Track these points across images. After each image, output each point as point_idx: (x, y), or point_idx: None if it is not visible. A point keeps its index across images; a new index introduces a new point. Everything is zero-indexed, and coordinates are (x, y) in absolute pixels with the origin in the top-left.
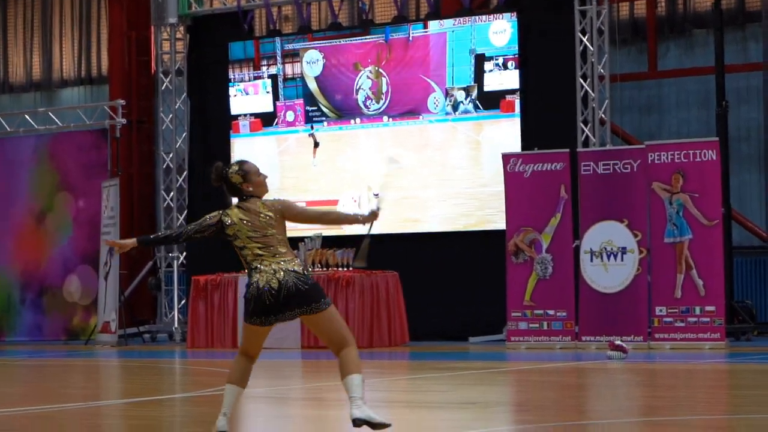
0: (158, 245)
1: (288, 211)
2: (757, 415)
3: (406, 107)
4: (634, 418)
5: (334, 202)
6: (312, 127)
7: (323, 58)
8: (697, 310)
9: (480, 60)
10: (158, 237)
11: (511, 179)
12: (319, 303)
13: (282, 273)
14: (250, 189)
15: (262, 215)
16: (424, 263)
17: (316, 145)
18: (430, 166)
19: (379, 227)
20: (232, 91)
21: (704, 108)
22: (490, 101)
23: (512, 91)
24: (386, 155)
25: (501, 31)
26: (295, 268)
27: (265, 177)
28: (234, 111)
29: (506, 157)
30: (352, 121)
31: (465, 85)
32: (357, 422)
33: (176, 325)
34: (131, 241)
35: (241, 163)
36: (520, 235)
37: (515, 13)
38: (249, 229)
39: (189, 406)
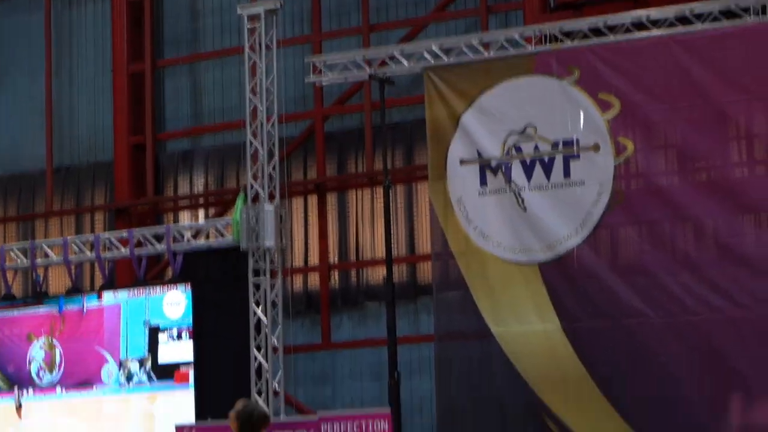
0: None
1: None
2: None
3: (80, 378)
4: None
5: None
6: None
7: None
8: None
9: (154, 331)
10: None
11: None
12: None
13: None
14: None
15: None
16: None
17: (19, 406)
18: None
19: None
20: None
21: (377, 379)
22: (165, 372)
23: (187, 363)
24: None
25: (176, 302)
26: None
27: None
28: None
29: (179, 429)
30: (25, 391)
31: (139, 357)
32: None
33: None
34: None
35: None
36: None
37: (189, 285)
38: None
39: None
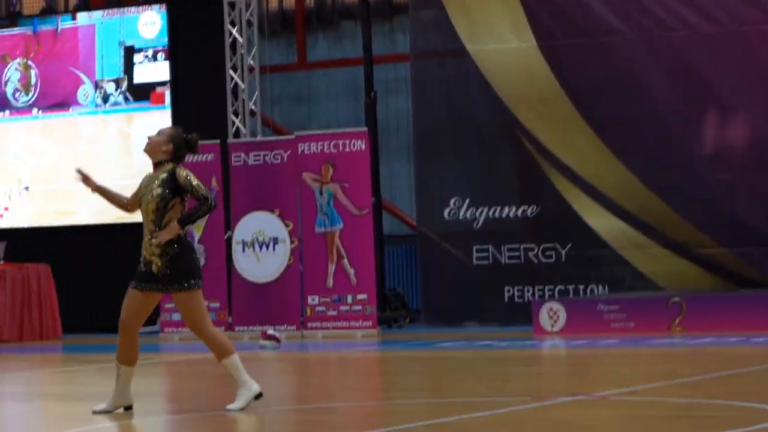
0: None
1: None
2: (407, 400)
3: (56, 99)
4: (287, 406)
5: None
6: None
7: None
8: (349, 298)
9: (130, 52)
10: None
11: None
12: None
13: None
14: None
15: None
16: (76, 256)
17: None
18: (80, 159)
19: (29, 220)
20: None
21: (354, 99)
22: (141, 93)
23: (162, 83)
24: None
25: (151, 22)
26: None
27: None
28: None
29: None
30: (1, 113)
31: (115, 77)
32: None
33: None
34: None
35: None
36: None
37: (164, 5)
38: None
39: None
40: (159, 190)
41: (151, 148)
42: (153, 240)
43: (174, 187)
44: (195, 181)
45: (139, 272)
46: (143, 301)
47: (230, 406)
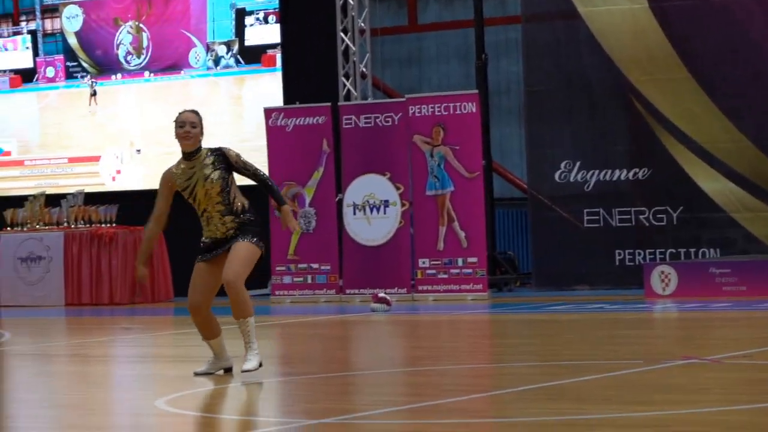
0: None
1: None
2: (518, 364)
3: (168, 62)
4: (398, 369)
5: (97, 158)
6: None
7: (83, 13)
8: (460, 261)
9: (241, 14)
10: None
11: (273, 133)
12: None
13: None
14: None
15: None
16: (188, 219)
17: (94, 93)
18: None
19: (140, 183)
20: None
21: (464, 61)
22: (252, 55)
23: (273, 46)
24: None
25: None
26: None
27: (181, 127)
28: None
29: (268, 112)
30: (113, 76)
31: (226, 40)
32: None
33: None
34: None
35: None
36: (283, 190)
37: None
38: None
39: None
40: (217, 173)
41: (194, 142)
42: (286, 227)
43: (227, 166)
44: (246, 159)
45: (203, 247)
46: (209, 273)
47: (247, 366)
